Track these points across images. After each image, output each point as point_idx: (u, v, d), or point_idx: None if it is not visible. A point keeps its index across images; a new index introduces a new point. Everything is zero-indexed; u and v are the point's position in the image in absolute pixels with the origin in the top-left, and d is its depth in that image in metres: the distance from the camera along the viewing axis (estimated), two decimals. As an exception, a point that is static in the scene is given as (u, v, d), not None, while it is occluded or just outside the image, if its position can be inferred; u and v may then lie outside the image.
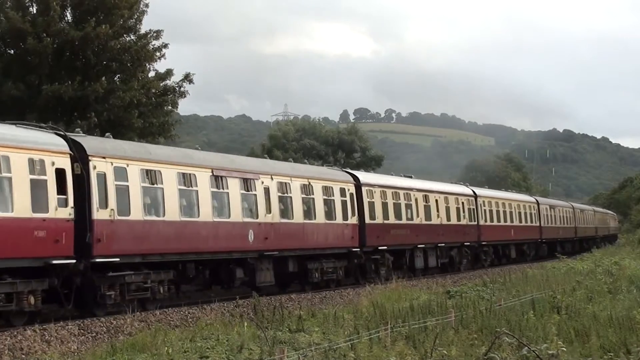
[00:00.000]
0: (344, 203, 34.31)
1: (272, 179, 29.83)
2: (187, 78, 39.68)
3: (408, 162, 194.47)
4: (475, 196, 49.68)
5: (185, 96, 39.84)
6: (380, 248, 36.92)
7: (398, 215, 38.83)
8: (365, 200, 35.93)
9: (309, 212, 31.87)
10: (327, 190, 33.23)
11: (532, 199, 63.59)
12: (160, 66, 39.89)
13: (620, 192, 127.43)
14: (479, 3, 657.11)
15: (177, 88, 39.53)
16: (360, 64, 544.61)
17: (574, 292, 27.67)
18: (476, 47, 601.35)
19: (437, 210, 43.32)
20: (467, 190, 49.95)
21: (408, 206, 40.03)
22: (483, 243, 49.98)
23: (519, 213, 57.45)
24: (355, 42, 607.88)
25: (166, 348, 18.12)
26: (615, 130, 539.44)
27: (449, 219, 44.64)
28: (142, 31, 38.86)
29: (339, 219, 33.80)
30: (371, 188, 36.76)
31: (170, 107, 40.00)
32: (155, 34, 38.86)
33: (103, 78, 36.56)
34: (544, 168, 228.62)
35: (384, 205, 37.60)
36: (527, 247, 60.11)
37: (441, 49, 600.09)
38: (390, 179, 41.31)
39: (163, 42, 39.13)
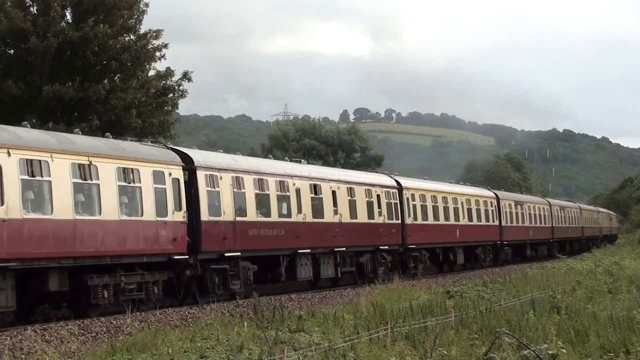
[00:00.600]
0: (160, 193, 24.80)
1: (9, 154, 20.38)
2: (186, 76, 39.66)
3: (408, 162, 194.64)
4: (400, 188, 39.74)
5: (184, 96, 39.83)
6: (229, 255, 27.56)
7: (264, 211, 29.60)
8: (203, 189, 26.63)
9: (88, 204, 22.45)
10: (127, 174, 23.67)
11: (490, 193, 53.18)
12: (160, 66, 39.92)
13: (620, 192, 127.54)
14: (479, 3, 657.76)
15: (176, 87, 39.52)
16: (360, 63, 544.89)
17: (574, 292, 27.69)
18: (476, 47, 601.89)
19: (335, 205, 33.76)
20: (385, 179, 39.84)
21: (283, 199, 30.60)
22: (411, 246, 40.12)
23: (469, 210, 47.60)
24: (355, 41, 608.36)
25: (166, 348, 18.14)
26: (615, 130, 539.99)
27: (354, 216, 35.11)
28: (142, 31, 38.88)
29: (149, 214, 24.25)
30: (215, 173, 27.35)
31: (170, 108, 39.97)
32: (155, 34, 38.85)
33: (105, 80, 36.53)
34: (544, 168, 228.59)
35: (238, 197, 28.18)
36: (482, 250, 50.01)
37: (441, 49, 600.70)
38: (251, 162, 31.34)
39: (163, 42, 39.15)
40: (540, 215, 61.32)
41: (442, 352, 16.24)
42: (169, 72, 39.15)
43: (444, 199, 44.67)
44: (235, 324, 22.32)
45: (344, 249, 34.33)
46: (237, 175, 28.42)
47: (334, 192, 33.86)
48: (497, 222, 51.73)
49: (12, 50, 37.40)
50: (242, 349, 18.19)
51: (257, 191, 29.28)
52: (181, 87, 39.59)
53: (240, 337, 19.56)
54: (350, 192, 35.19)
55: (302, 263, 31.79)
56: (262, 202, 29.62)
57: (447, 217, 44.50)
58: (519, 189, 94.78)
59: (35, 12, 37.00)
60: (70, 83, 35.83)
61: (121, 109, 36.55)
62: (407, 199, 40.25)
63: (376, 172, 43.31)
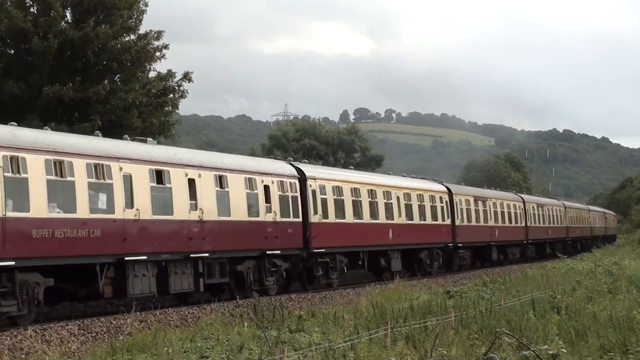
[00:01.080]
0: None
1: None
2: (187, 77, 39.67)
3: (408, 162, 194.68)
4: (302, 177, 31.73)
5: (185, 96, 39.85)
6: None
7: (65, 205, 21.80)
8: None
9: None
10: None
11: (439, 187, 45.14)
12: (160, 67, 39.94)
13: (620, 192, 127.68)
14: (479, 3, 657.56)
15: (176, 88, 39.53)
16: (360, 63, 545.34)
17: (574, 292, 27.68)
18: (476, 47, 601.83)
19: (193, 198, 25.81)
20: (280, 167, 31.57)
21: (99, 188, 22.72)
22: (318, 250, 32.04)
23: (408, 206, 39.58)
24: (354, 41, 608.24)
25: (166, 348, 18.14)
26: (615, 130, 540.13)
27: (224, 212, 27.02)
28: (142, 31, 38.90)
29: None
30: None
31: (170, 109, 39.98)
32: (156, 35, 38.84)
33: (105, 81, 36.54)
34: (544, 168, 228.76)
35: (14, 185, 20.35)
36: (428, 254, 41.82)
37: (440, 49, 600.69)
38: (46, 138, 22.14)
39: (164, 43, 39.15)
40: (510, 213, 54.00)
41: (442, 352, 16.24)
42: (170, 74, 39.16)
43: (371, 193, 36.33)
44: (235, 324, 22.32)
45: (207, 254, 26.32)
46: (15, 154, 20.50)
47: (191, 181, 25.81)
48: (448, 221, 43.95)
49: (13, 51, 37.42)
50: (242, 349, 18.19)
51: (52, 177, 21.27)
52: (182, 88, 39.66)
53: (240, 337, 19.55)
54: (220, 181, 27.12)
55: (136, 274, 23.87)
56: (61, 192, 21.71)
57: (374, 215, 36.35)
58: (519, 189, 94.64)
59: (35, 12, 37.01)
60: (70, 83, 35.83)
61: (122, 110, 36.57)
62: (314, 191, 31.93)
63: (275, 158, 34.29)
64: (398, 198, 38.77)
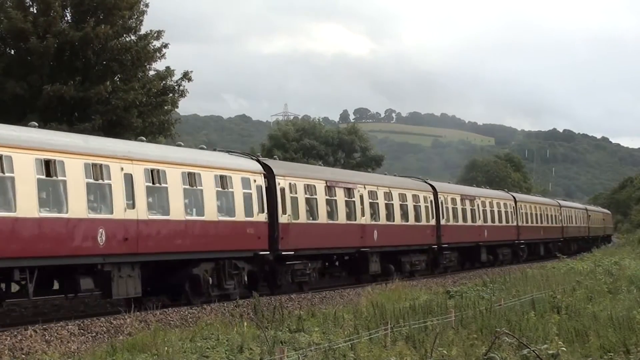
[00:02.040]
0: None
1: None
2: (186, 76, 39.68)
3: (408, 162, 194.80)
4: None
5: (185, 95, 39.87)
6: None
7: None
8: None
9: None
10: None
11: (247, 163, 29.07)
12: (160, 66, 39.92)
13: (620, 192, 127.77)
14: (479, 3, 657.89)
15: (176, 87, 39.53)
16: (359, 63, 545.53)
17: (574, 292, 27.70)
18: (476, 47, 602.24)
19: None
20: None
21: None
22: None
23: (156, 190, 23.79)
24: (354, 41, 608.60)
25: (166, 348, 18.13)
26: (614, 130, 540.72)
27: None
28: (143, 31, 38.90)
29: None
30: None
31: (170, 107, 39.99)
32: (156, 35, 38.83)
33: (107, 82, 36.52)
34: (544, 168, 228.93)
35: None
36: (212, 269, 26.25)
37: (440, 49, 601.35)
38: None
39: (163, 43, 39.13)
40: (406, 207, 38.93)
41: (442, 352, 16.24)
42: (169, 72, 39.15)
43: (96, 170, 21.59)
44: (235, 324, 22.31)
45: None
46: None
47: None
48: (262, 217, 28.27)
49: (13, 51, 37.42)
50: (242, 349, 18.19)
51: None
52: (181, 87, 39.66)
53: (240, 337, 19.55)
54: None
55: None
56: None
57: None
58: (519, 189, 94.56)
59: (35, 12, 37.00)
60: (71, 83, 35.83)
61: (122, 109, 36.57)
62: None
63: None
64: (128, 177, 22.66)
